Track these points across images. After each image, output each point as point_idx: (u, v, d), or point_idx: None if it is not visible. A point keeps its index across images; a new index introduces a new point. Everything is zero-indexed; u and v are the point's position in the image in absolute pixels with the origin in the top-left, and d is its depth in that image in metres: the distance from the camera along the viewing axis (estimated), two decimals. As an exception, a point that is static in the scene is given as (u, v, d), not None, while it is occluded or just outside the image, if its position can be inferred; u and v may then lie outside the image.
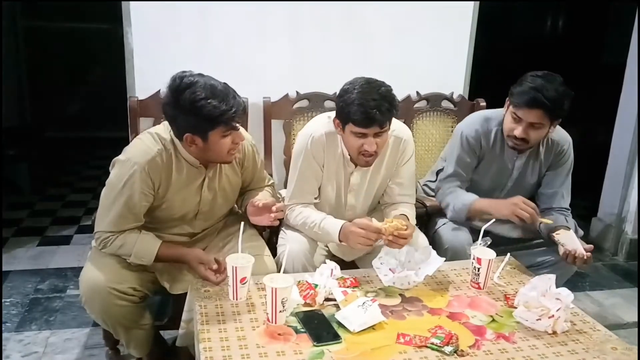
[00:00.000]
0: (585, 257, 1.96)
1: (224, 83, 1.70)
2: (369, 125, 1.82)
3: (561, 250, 2.02)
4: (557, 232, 2.05)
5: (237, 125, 1.71)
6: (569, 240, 1.99)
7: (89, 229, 1.90)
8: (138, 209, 1.76)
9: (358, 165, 2.02)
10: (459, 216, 2.18)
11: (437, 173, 2.41)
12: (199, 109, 1.60)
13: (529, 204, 2.04)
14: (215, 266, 1.73)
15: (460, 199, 2.19)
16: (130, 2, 2.47)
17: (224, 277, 1.70)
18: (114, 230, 1.76)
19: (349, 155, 1.99)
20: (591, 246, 2.00)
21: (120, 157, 1.77)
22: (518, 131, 2.04)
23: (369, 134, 1.85)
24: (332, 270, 1.78)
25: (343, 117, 1.88)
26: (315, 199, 2.10)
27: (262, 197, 1.94)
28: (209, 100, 1.60)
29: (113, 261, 1.79)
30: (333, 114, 2.00)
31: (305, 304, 1.65)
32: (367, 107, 1.79)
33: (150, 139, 1.78)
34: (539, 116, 2.00)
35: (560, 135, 2.21)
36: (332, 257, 2.15)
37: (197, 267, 1.75)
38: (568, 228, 2.09)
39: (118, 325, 1.83)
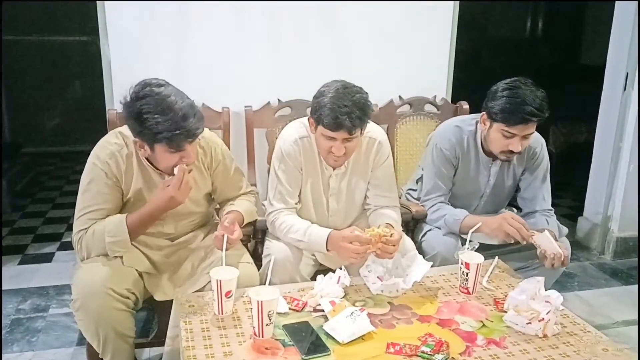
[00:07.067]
0: (562, 257, 1.96)
1: (190, 104, 1.71)
2: (337, 129, 1.84)
3: (539, 252, 2.02)
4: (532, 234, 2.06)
5: (182, 146, 1.71)
6: (544, 240, 1.99)
7: (72, 246, 1.87)
8: (108, 203, 1.80)
9: (328, 164, 2.02)
10: (452, 230, 2.17)
11: (417, 181, 2.40)
12: (144, 120, 1.65)
13: (517, 219, 2.04)
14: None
15: (450, 214, 2.18)
16: (106, 13, 2.43)
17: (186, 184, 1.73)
18: (86, 227, 1.77)
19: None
20: (564, 252, 2.00)
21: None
22: (515, 146, 2.04)
23: (338, 138, 1.87)
24: (339, 277, 1.76)
25: (315, 118, 1.90)
26: (296, 204, 2.07)
27: (237, 206, 1.99)
28: (155, 115, 1.64)
29: (107, 263, 1.77)
30: (305, 119, 2.02)
31: (292, 309, 1.64)
32: (337, 112, 1.81)
33: (112, 135, 1.86)
34: (533, 127, 2.02)
35: (533, 137, 2.20)
36: (319, 265, 2.13)
37: (164, 194, 1.72)
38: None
39: (110, 332, 1.77)
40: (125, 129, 1.85)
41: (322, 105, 1.84)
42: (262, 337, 1.49)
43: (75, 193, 1.84)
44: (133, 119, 1.67)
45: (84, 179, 1.81)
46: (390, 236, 1.82)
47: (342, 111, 1.80)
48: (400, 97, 2.82)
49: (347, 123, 1.81)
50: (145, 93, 1.66)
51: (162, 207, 1.76)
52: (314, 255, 2.11)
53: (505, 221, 2.03)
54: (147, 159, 1.82)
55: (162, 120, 1.63)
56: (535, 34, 6.56)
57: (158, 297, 1.88)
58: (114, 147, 1.81)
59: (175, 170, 1.72)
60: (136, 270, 1.85)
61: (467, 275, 1.78)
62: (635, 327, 2.58)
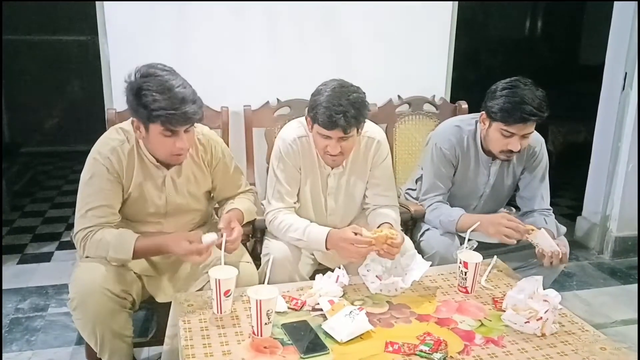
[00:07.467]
0: (560, 255, 1.97)
1: (193, 91, 1.72)
2: (332, 128, 1.84)
3: (537, 250, 2.03)
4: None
5: (177, 129, 1.71)
6: (542, 239, 1.99)
7: (71, 245, 1.87)
8: (110, 199, 1.79)
9: (326, 164, 2.02)
10: (447, 230, 2.17)
11: (417, 181, 2.41)
12: (142, 96, 1.66)
13: (513, 220, 2.04)
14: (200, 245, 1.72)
15: (446, 214, 2.18)
16: (105, 13, 2.43)
17: (209, 254, 1.73)
18: (90, 225, 1.76)
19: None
20: (562, 249, 2.00)
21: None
22: (514, 146, 2.04)
23: (333, 137, 1.87)
24: (338, 277, 1.76)
25: (312, 116, 1.91)
26: (295, 203, 2.08)
27: (237, 205, 2.00)
28: (153, 93, 1.65)
29: (105, 263, 1.76)
30: (304, 119, 2.03)
31: (291, 309, 1.64)
32: (332, 111, 1.81)
33: (112, 131, 1.86)
34: (532, 126, 2.02)
35: (532, 136, 2.20)
36: (318, 265, 2.13)
37: (179, 245, 1.72)
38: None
39: (107, 332, 1.77)
40: (125, 125, 1.85)
41: (318, 104, 1.85)
42: (261, 336, 1.49)
43: (74, 192, 1.84)
44: (132, 94, 1.68)
45: (85, 174, 1.80)
46: (396, 238, 1.82)
47: (338, 110, 1.81)
48: (399, 96, 2.82)
49: (342, 122, 1.81)
50: (149, 72, 1.68)
51: (175, 252, 1.75)
52: (312, 254, 2.11)
53: (501, 225, 2.02)
54: (146, 148, 1.82)
55: (160, 98, 1.64)
56: (534, 33, 6.56)
57: (160, 299, 1.88)
58: (115, 142, 1.81)
59: (204, 239, 1.70)
60: (135, 272, 1.85)
61: (465, 275, 1.78)
62: (634, 327, 2.58)
